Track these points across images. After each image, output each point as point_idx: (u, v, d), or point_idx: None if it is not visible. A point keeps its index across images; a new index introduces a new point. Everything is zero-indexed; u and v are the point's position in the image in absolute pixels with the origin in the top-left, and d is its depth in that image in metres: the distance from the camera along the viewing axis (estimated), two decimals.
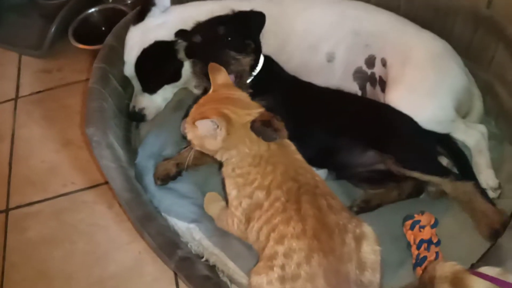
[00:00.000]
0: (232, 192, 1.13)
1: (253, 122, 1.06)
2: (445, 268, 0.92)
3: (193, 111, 1.10)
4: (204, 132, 1.06)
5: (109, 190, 1.61)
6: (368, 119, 1.30)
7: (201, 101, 1.12)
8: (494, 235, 1.12)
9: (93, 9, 2.11)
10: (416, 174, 1.21)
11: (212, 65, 1.14)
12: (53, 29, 2.04)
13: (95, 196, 1.62)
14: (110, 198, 1.59)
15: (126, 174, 1.32)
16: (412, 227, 1.15)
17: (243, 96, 1.13)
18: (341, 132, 1.29)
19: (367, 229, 1.04)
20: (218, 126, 1.04)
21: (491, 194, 1.24)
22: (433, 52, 1.36)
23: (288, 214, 1.02)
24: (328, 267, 0.96)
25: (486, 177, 1.26)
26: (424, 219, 1.14)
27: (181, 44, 1.43)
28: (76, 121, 1.84)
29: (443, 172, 1.22)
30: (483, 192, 1.20)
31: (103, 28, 2.12)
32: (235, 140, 1.07)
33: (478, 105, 1.41)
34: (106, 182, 1.63)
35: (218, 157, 1.12)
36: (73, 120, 1.84)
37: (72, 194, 1.64)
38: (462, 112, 1.36)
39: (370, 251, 1.01)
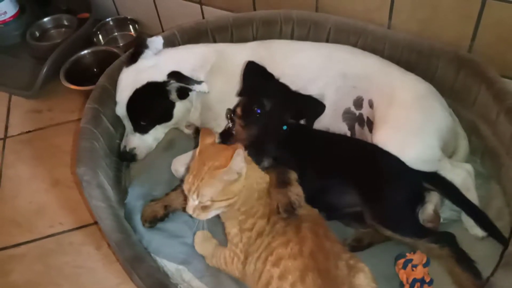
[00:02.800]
0: (232, 230, 1.15)
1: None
2: None
3: (197, 166, 1.08)
4: (237, 167, 1.06)
5: (97, 231, 1.59)
6: (354, 161, 1.31)
7: (199, 158, 1.11)
8: None
9: (85, 51, 2.15)
10: (388, 233, 1.20)
11: (205, 130, 1.16)
12: (44, 70, 2.06)
13: (83, 237, 1.60)
14: (99, 239, 1.57)
15: (116, 214, 1.31)
16: (404, 266, 1.15)
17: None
18: (328, 174, 1.31)
19: (363, 265, 1.08)
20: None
21: (480, 233, 1.25)
22: (417, 94, 1.39)
23: (288, 237, 1.07)
24: (322, 286, 0.97)
25: None
26: (416, 258, 1.14)
27: (173, 85, 1.46)
28: (65, 161, 1.83)
29: (418, 234, 1.19)
30: (460, 256, 1.15)
31: (95, 70, 2.16)
32: (249, 177, 1.10)
33: (463, 145, 1.44)
34: (95, 223, 1.62)
35: (235, 203, 1.10)
36: (62, 160, 1.84)
37: (59, 235, 1.62)
38: (448, 151, 1.38)
39: (367, 285, 1.03)
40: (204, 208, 1.07)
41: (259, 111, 1.28)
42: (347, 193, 1.27)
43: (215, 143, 1.15)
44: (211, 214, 1.10)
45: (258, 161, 1.17)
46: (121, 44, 2.29)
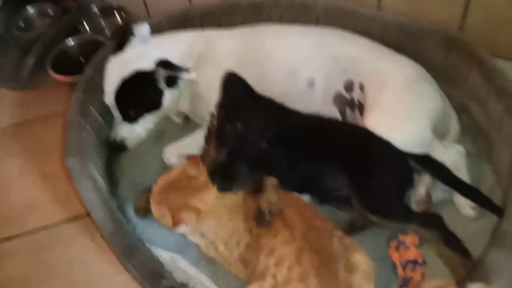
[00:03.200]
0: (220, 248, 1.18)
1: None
2: (430, 285, 0.93)
3: (156, 197, 1.16)
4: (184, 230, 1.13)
5: (90, 222, 1.56)
6: (344, 145, 1.30)
7: (162, 184, 1.16)
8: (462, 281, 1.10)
9: (71, 40, 2.11)
10: (375, 219, 1.21)
11: (194, 159, 1.17)
12: (30, 61, 2.02)
13: (75, 229, 1.57)
14: (92, 230, 1.54)
15: (108, 205, 1.30)
16: (397, 248, 1.15)
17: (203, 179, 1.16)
18: (319, 159, 1.30)
19: (356, 244, 1.10)
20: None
21: (471, 213, 1.26)
22: (408, 76, 1.39)
23: (274, 228, 1.07)
24: (319, 264, 0.99)
25: None
26: (408, 239, 1.15)
27: (161, 74, 1.45)
28: (55, 153, 1.79)
29: (405, 219, 1.20)
30: (448, 238, 1.15)
31: (82, 59, 2.11)
32: (213, 218, 1.14)
33: (454, 126, 1.44)
34: (88, 214, 1.59)
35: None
36: (51, 152, 1.80)
37: (51, 229, 1.59)
38: (439, 133, 1.38)
39: (362, 260, 1.05)
40: None
41: (234, 130, 1.21)
42: (337, 178, 1.27)
43: (194, 178, 1.15)
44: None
45: (224, 189, 1.14)
46: (107, 33, 2.24)
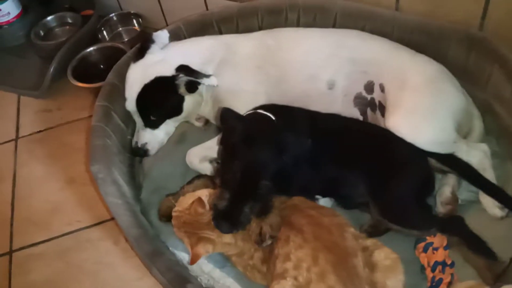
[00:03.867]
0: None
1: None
2: (462, 287, 0.93)
3: (175, 223, 1.19)
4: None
5: (115, 227, 1.60)
6: (365, 151, 1.29)
7: (177, 213, 1.19)
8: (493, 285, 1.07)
9: (91, 48, 2.14)
10: (395, 227, 1.20)
11: (199, 199, 1.15)
12: (52, 69, 2.06)
13: (100, 233, 1.61)
14: (116, 234, 1.58)
15: (133, 210, 1.32)
16: (425, 250, 1.14)
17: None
18: (340, 165, 1.29)
19: (375, 241, 1.11)
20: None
21: (499, 213, 1.24)
22: (429, 75, 1.37)
23: (284, 236, 1.08)
24: (335, 261, 1.00)
25: None
26: (436, 241, 1.14)
27: (182, 79, 1.46)
28: (79, 159, 1.84)
29: (425, 226, 1.19)
30: (472, 241, 1.14)
31: (102, 66, 2.15)
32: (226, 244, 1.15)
33: (478, 125, 1.42)
34: (112, 218, 1.62)
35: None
36: (75, 158, 1.84)
37: (76, 232, 1.63)
38: (463, 132, 1.37)
39: (384, 257, 1.05)
40: None
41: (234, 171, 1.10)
42: (357, 186, 1.26)
43: (202, 214, 1.15)
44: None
45: (227, 233, 1.12)
46: (126, 40, 2.27)
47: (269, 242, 1.10)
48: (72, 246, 1.59)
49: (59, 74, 2.08)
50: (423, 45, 1.50)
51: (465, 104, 1.37)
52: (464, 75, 1.44)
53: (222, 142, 1.24)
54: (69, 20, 2.39)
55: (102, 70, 2.13)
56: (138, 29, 2.32)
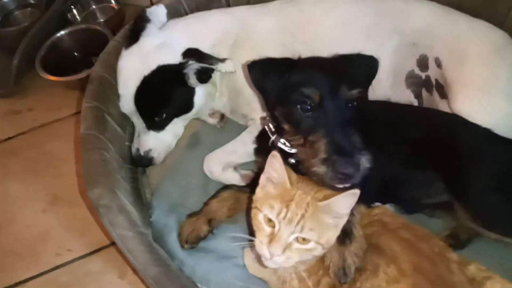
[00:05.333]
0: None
1: None
2: None
3: (294, 192, 0.84)
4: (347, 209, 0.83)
5: (117, 254, 1.35)
6: (434, 141, 1.08)
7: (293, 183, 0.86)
8: None
9: (61, 32, 1.88)
10: (493, 236, 1.01)
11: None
12: (16, 61, 1.82)
13: (100, 263, 1.36)
14: (120, 263, 1.34)
15: (148, 242, 1.05)
16: None
17: None
18: (403, 161, 1.09)
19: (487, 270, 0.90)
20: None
21: None
22: (494, 44, 1.18)
23: (372, 264, 0.87)
24: None
25: None
26: None
27: (192, 67, 1.21)
28: (62, 171, 1.57)
29: None
30: None
31: (76, 54, 1.92)
32: None
33: None
34: (111, 244, 1.36)
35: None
36: (58, 170, 1.58)
37: (70, 264, 1.37)
38: None
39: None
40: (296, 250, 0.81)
41: (308, 107, 0.93)
42: (429, 184, 1.08)
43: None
44: (295, 260, 0.83)
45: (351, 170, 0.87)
46: (102, 20, 2.00)
47: (353, 276, 0.87)
48: (68, 282, 1.33)
49: (26, 67, 1.83)
50: (477, 8, 1.28)
51: None
52: None
53: (270, 107, 1.02)
54: (31, 1, 2.10)
55: (77, 59, 1.90)
56: (116, 7, 2.06)
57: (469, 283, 0.87)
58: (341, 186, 0.86)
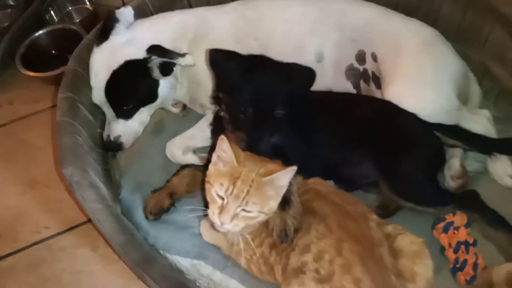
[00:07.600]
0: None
1: None
2: (501, 271, 0.86)
3: (240, 170, 0.95)
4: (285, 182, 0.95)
5: (90, 231, 1.45)
6: (368, 126, 1.20)
7: (240, 162, 0.97)
8: None
9: (39, 32, 1.95)
10: (409, 205, 1.14)
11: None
12: None
13: (75, 239, 1.46)
14: (93, 239, 1.44)
15: (115, 214, 1.17)
16: (445, 230, 1.07)
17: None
18: (341, 144, 1.21)
19: (399, 228, 1.03)
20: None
21: (510, 182, 1.18)
22: (424, 40, 1.29)
23: (306, 224, 0.98)
24: (362, 252, 0.92)
25: (503, 163, 1.20)
26: (457, 219, 1.07)
27: (155, 61, 1.32)
28: (39, 158, 1.66)
29: (442, 202, 1.12)
30: (490, 217, 1.09)
31: (54, 52, 1.98)
32: None
33: (475, 89, 1.35)
34: (85, 222, 1.48)
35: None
36: (35, 157, 1.66)
37: (47, 241, 1.47)
38: (462, 99, 1.29)
39: (409, 242, 0.99)
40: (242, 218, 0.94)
41: (242, 109, 1.10)
42: (363, 165, 1.19)
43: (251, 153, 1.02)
44: (241, 226, 0.95)
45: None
46: (77, 20, 2.07)
47: (294, 236, 0.99)
48: (44, 257, 1.43)
49: (6, 64, 1.90)
50: (413, 7, 1.42)
51: (463, 69, 1.31)
52: (458, 37, 1.38)
53: (219, 88, 1.17)
54: (10, 2, 2.15)
55: (54, 56, 1.97)
56: (90, 8, 2.12)
57: (385, 238, 0.99)
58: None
